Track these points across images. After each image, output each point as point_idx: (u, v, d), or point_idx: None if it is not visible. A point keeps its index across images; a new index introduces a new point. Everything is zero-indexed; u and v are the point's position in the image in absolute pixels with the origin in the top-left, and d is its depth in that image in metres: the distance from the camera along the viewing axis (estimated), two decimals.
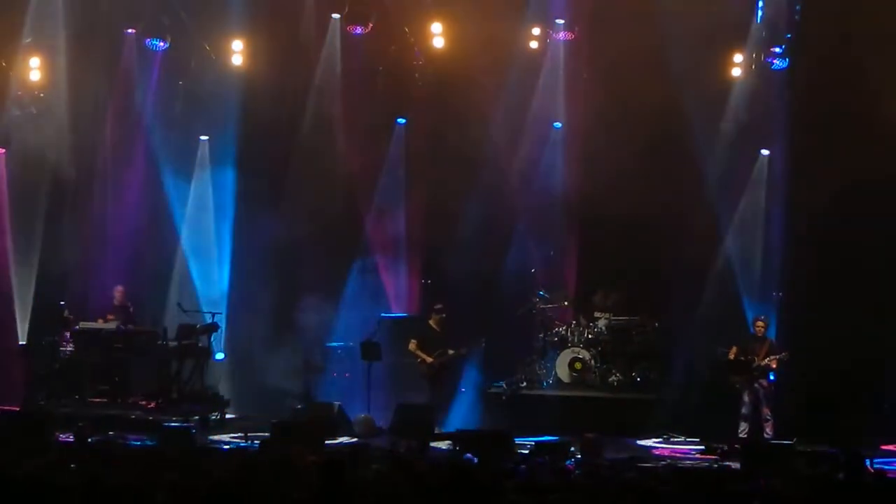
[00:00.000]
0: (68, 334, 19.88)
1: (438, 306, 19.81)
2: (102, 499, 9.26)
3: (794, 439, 16.54)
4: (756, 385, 18.59)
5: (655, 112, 20.00)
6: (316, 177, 21.74)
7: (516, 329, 21.05)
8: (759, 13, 20.80)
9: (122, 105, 21.54)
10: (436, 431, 17.94)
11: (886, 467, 15.14)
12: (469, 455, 12.73)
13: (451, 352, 19.32)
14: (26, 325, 20.39)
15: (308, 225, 21.64)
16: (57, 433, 15.92)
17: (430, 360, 19.23)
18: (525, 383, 20.40)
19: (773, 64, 20.74)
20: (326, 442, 16.33)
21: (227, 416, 19.69)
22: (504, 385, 20.26)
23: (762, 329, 18.88)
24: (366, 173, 21.96)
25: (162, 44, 21.26)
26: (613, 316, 20.82)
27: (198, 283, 21.58)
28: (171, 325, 20.29)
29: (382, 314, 21.15)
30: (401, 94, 22.13)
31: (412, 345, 19.41)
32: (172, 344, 19.83)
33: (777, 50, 20.67)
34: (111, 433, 16.60)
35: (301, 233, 21.59)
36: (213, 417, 19.22)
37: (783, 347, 18.83)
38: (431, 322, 19.68)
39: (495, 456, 13.84)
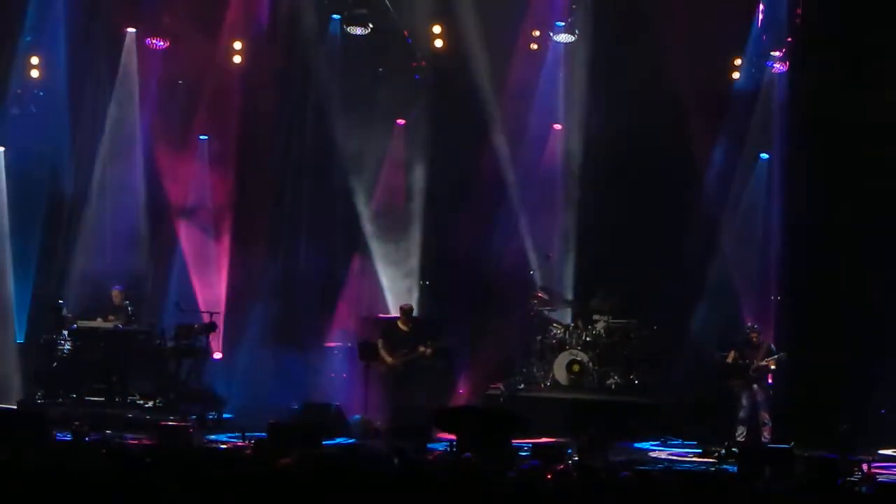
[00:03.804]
0: (66, 333, 19.86)
1: (405, 305, 19.81)
2: (100, 498, 9.25)
3: (792, 443, 16.51)
4: (754, 388, 18.59)
5: (656, 115, 20.03)
6: (315, 177, 21.76)
7: (514, 331, 21.04)
8: (759, 17, 20.82)
9: (122, 104, 21.53)
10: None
11: (884, 471, 15.19)
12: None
13: (420, 349, 19.24)
14: (24, 323, 20.39)
15: (307, 225, 21.66)
16: (54, 432, 15.89)
17: (389, 360, 19.20)
18: (523, 385, 20.38)
19: (772, 68, 20.77)
20: (324, 442, 16.31)
21: (225, 415, 19.67)
22: (502, 387, 20.25)
23: (756, 337, 18.86)
24: (366, 174, 21.95)
25: (162, 43, 21.26)
26: (612, 318, 20.79)
27: (196, 282, 21.56)
28: (168, 324, 20.29)
29: (380, 315, 21.13)
30: (401, 95, 22.13)
31: (378, 343, 19.37)
32: (170, 343, 19.83)
33: (777, 54, 20.70)
34: (108, 432, 16.59)
35: (300, 233, 21.59)
36: (211, 417, 19.22)
37: (780, 349, 18.83)
38: (399, 322, 19.64)
39: (494, 452, 13.83)
